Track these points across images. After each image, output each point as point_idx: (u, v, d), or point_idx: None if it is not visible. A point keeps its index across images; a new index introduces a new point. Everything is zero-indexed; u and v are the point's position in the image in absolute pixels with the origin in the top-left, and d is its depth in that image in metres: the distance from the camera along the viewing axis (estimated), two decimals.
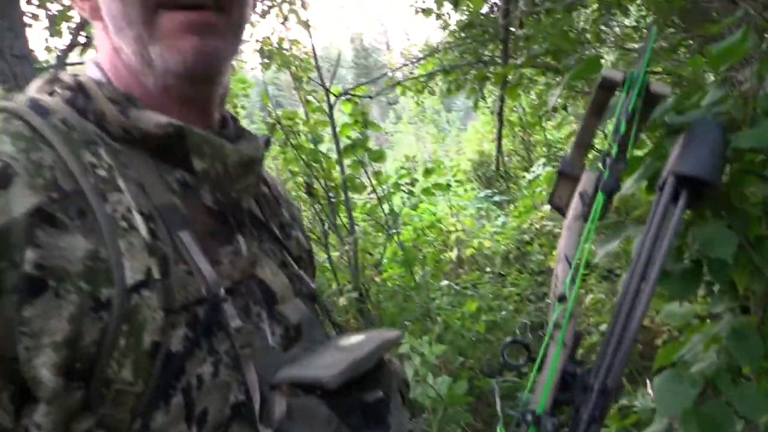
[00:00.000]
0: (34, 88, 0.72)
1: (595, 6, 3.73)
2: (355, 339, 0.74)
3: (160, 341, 0.60)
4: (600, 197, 0.86)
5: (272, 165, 6.11)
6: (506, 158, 8.90)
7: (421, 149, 15.96)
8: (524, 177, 7.94)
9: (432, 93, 5.43)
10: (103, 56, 0.74)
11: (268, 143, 0.83)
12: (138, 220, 0.62)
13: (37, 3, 3.94)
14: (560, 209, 1.00)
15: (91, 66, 0.74)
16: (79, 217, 0.59)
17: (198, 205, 0.70)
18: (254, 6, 0.80)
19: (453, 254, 5.85)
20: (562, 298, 0.83)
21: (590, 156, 1.08)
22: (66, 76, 0.71)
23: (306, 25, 4.47)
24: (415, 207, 5.69)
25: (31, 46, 3.21)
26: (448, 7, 5.02)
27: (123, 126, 0.67)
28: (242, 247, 0.73)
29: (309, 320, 0.77)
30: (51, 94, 0.69)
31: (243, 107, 5.53)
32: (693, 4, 3.46)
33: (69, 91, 0.68)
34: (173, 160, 0.70)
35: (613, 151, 0.85)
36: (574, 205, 0.94)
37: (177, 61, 0.67)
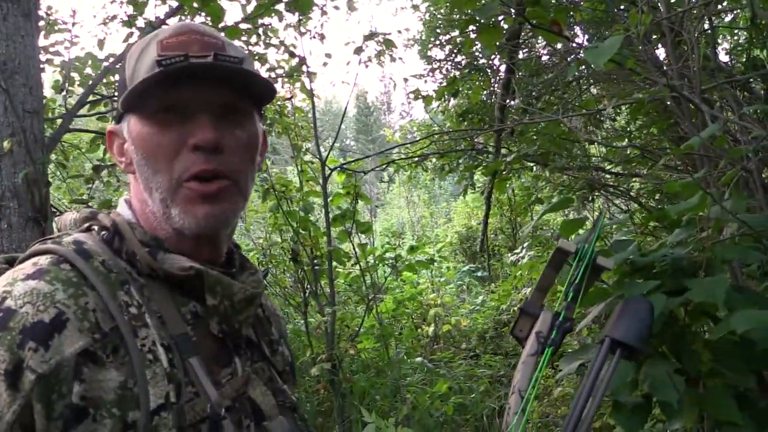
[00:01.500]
0: (71, 221, 0.89)
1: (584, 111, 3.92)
2: None
3: None
4: (548, 351, 0.98)
5: (261, 220, 6.20)
6: (492, 235, 9.04)
7: (411, 213, 16.12)
8: (508, 256, 8.06)
9: (425, 170, 5.58)
10: (134, 200, 0.88)
11: (266, 275, 0.98)
12: (160, 352, 0.75)
13: (53, 51, 4.09)
14: (520, 340, 1.11)
15: (123, 205, 0.89)
16: (113, 353, 0.72)
17: (205, 333, 0.83)
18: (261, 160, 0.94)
19: (430, 329, 5.89)
20: None
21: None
22: (103, 216, 0.85)
23: (310, 94, 4.63)
24: (398, 275, 5.77)
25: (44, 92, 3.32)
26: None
27: (150, 266, 0.80)
28: (238, 368, 0.85)
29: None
30: (88, 229, 0.85)
31: None
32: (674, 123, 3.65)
33: (106, 231, 0.83)
34: (188, 293, 0.83)
35: (561, 314, 0.98)
36: (530, 343, 1.04)
37: (192, 223, 0.81)
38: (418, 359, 5.00)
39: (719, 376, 1.54)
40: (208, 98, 0.81)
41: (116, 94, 4.07)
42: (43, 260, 0.75)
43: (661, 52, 4.00)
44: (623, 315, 0.89)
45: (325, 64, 4.61)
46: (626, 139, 5.20)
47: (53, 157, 3.66)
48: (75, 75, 4.21)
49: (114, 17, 4.69)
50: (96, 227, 0.84)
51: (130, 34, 4.12)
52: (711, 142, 1.73)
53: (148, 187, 0.82)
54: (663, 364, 1.43)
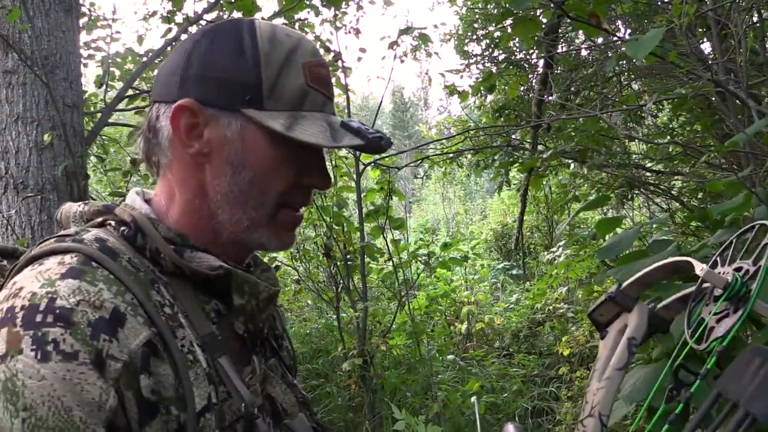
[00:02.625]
0: (76, 214, 0.83)
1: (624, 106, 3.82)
2: None
3: None
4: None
5: None
6: (528, 233, 8.92)
7: (446, 210, 16.03)
8: (544, 254, 7.95)
9: (460, 166, 5.53)
10: (178, 186, 0.82)
11: (277, 270, 0.96)
12: (198, 353, 0.73)
13: (95, 46, 4.17)
14: (597, 324, 0.98)
15: (136, 198, 0.84)
16: (164, 350, 0.69)
17: (229, 332, 0.80)
18: None
19: (463, 327, 5.84)
20: None
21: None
22: (120, 210, 0.79)
23: (345, 89, 4.62)
24: (431, 271, 5.73)
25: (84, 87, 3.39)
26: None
27: (176, 264, 0.76)
28: (256, 366, 0.84)
29: (309, 429, 0.89)
30: (102, 224, 0.80)
31: None
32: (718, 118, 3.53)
33: (124, 226, 0.78)
34: (211, 292, 0.80)
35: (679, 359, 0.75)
36: (619, 353, 0.88)
37: (277, 245, 0.84)
38: (450, 357, 4.96)
39: None
40: None
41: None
42: (70, 259, 0.69)
43: (706, 46, 3.87)
44: None
45: (359, 59, 4.59)
46: (668, 137, 5.05)
47: (93, 150, 3.73)
48: (116, 70, 4.28)
49: (154, 13, 4.76)
50: (112, 222, 0.79)
51: (169, 30, 4.17)
52: (758, 140, 1.66)
53: (240, 200, 0.80)
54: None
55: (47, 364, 0.61)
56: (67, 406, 0.60)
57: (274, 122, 0.76)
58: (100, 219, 0.80)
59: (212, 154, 0.79)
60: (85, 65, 4.46)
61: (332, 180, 0.81)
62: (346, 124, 0.80)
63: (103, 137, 4.17)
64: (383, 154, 4.84)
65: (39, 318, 0.63)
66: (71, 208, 0.84)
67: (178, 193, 0.82)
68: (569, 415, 4.11)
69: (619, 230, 1.76)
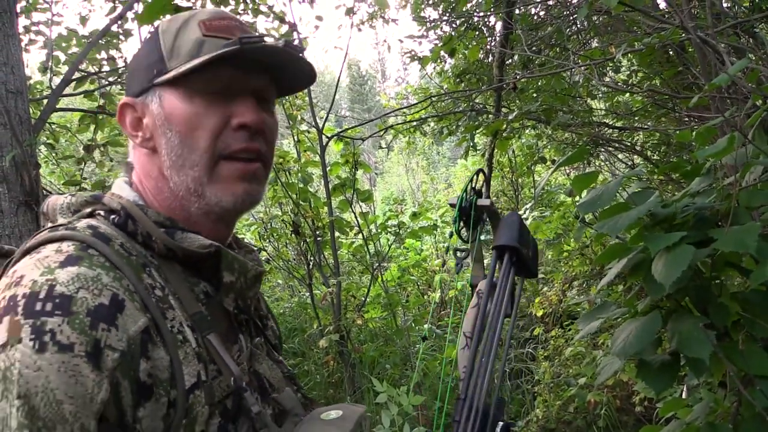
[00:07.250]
0: (63, 206, 0.86)
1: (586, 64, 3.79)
2: (334, 413, 0.88)
3: (205, 430, 0.74)
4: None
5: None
6: (494, 198, 8.95)
7: (411, 180, 16.03)
8: None
9: (424, 134, 5.47)
10: (143, 178, 0.87)
11: (258, 253, 1.01)
12: (188, 332, 0.76)
13: (35, 30, 3.95)
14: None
15: (124, 187, 0.87)
16: (157, 333, 0.72)
17: (218, 312, 0.83)
18: None
19: (436, 295, 5.85)
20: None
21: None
22: (108, 199, 0.83)
23: None
24: (401, 242, 5.71)
25: (27, 72, 3.21)
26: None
27: (168, 246, 0.80)
28: (243, 344, 0.87)
29: (296, 402, 0.91)
30: (91, 214, 0.82)
31: None
32: (681, 70, 3.53)
33: (114, 214, 0.81)
34: (200, 272, 0.83)
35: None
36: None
37: (230, 200, 0.83)
38: (426, 326, 4.96)
39: (744, 329, 1.47)
40: (250, 81, 0.84)
41: (103, 70, 3.95)
42: (67, 247, 0.72)
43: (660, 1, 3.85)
44: (501, 228, 0.96)
45: (316, 27, 4.46)
46: (628, 94, 5.07)
47: (43, 138, 3.55)
48: (60, 55, 4.08)
49: None
50: (101, 212, 0.82)
51: (114, 8, 3.98)
52: (742, 78, 1.63)
53: (179, 164, 0.82)
54: (690, 318, 1.35)
55: (43, 355, 0.63)
56: (58, 399, 0.62)
57: (173, 72, 0.81)
58: (88, 209, 0.83)
59: (154, 136, 0.84)
60: (27, 51, 4.23)
61: (260, 115, 0.85)
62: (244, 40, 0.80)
63: (53, 125, 3.98)
64: (345, 127, 4.75)
65: (39, 306, 0.65)
66: (58, 200, 0.87)
67: (147, 185, 0.86)
68: (547, 375, 4.16)
69: (593, 186, 1.73)
